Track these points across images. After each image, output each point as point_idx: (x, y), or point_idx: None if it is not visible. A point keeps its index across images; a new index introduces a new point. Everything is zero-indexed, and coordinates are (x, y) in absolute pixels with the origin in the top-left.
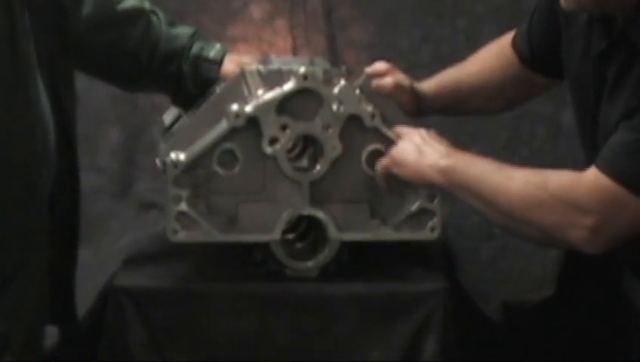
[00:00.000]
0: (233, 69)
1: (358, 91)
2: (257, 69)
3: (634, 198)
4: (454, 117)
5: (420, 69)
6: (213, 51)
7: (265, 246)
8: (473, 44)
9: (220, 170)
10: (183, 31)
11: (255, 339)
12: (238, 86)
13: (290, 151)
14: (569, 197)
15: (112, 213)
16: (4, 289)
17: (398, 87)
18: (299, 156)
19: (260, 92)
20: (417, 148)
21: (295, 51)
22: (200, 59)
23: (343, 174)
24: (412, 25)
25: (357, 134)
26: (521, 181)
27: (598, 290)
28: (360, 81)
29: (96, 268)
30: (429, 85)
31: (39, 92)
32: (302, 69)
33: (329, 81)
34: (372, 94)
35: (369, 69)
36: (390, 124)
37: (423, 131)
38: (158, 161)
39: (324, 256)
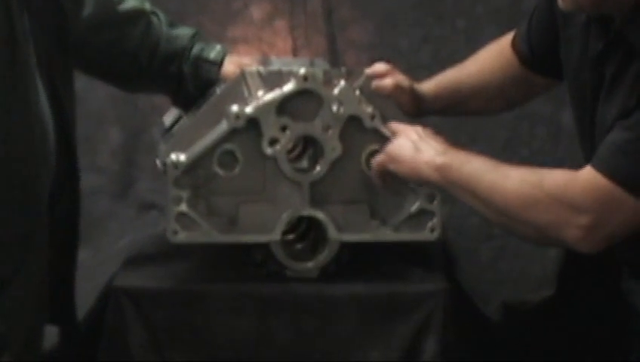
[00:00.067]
0: (233, 70)
1: (358, 92)
2: (257, 70)
3: (629, 197)
4: (454, 117)
5: (420, 69)
6: (214, 52)
7: (265, 247)
8: (473, 45)
9: (220, 171)
10: (184, 32)
11: (255, 340)
12: (239, 87)
13: (290, 152)
14: (564, 196)
15: (112, 214)
16: (3, 289)
17: (398, 87)
18: (299, 157)
19: (260, 93)
20: (414, 145)
21: (295, 52)
22: (200, 60)
23: (343, 175)
24: (412, 25)
25: (357, 135)
26: (517, 179)
27: (598, 291)
28: (360, 81)
29: (96, 269)
30: (428, 86)
31: (38, 92)
32: (302, 70)
33: (329, 82)
34: (372, 95)
35: (369, 70)
36: None
37: (419, 128)
38: (158, 162)
39: (324, 256)
